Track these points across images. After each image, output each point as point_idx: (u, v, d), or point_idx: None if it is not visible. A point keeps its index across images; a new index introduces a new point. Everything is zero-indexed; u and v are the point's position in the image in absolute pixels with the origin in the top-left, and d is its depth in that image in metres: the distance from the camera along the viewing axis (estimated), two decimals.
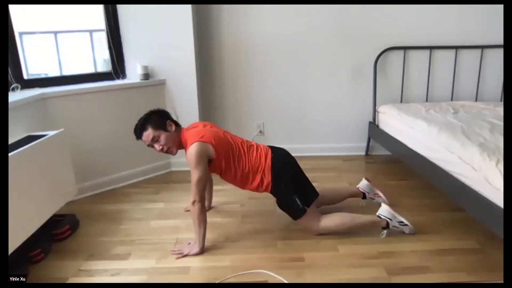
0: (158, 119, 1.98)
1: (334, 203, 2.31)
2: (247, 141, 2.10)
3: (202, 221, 1.89)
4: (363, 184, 2.38)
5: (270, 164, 1.98)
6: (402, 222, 2.00)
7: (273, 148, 2.09)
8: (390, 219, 2.00)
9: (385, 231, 2.01)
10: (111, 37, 2.79)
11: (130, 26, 2.80)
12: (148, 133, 1.95)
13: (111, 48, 2.81)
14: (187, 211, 2.36)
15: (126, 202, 2.55)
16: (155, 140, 1.96)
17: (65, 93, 2.49)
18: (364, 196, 2.36)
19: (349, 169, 3.12)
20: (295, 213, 2.01)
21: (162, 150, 1.99)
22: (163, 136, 1.95)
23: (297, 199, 1.98)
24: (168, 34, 2.83)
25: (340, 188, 2.57)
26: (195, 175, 1.85)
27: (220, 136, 1.98)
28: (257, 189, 2.03)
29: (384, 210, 2.02)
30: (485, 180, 1.71)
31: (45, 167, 1.96)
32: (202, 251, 1.91)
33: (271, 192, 2.04)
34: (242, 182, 2.03)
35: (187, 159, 1.90)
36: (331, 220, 2.02)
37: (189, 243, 1.97)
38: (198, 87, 3.02)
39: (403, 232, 2.03)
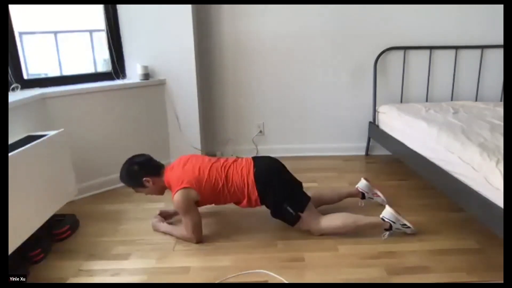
0: (135, 179, 2.04)
1: (333, 202, 2.31)
2: (225, 161, 2.07)
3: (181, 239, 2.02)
4: (362, 184, 2.38)
5: (253, 179, 1.97)
6: (405, 224, 2.00)
7: (255, 160, 2.07)
8: (394, 222, 1.99)
9: (387, 233, 2.00)
10: (111, 37, 2.79)
11: (130, 26, 2.80)
12: (132, 190, 2.15)
13: (111, 48, 2.81)
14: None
15: (126, 202, 2.54)
16: (137, 192, 2.15)
17: (65, 93, 2.49)
18: (363, 196, 2.36)
19: (349, 169, 3.11)
20: (290, 221, 2.02)
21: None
22: (144, 191, 2.11)
23: (288, 208, 1.97)
24: (168, 34, 2.83)
25: (339, 187, 2.57)
26: (189, 222, 1.95)
27: (200, 177, 1.96)
28: (248, 205, 2.04)
29: (387, 213, 2.01)
30: (485, 180, 1.71)
31: (45, 167, 1.96)
32: (163, 233, 2.08)
33: (262, 204, 2.04)
34: (235, 202, 2.07)
35: (174, 206, 2.00)
36: (332, 221, 2.02)
37: (170, 223, 2.15)
38: (198, 87, 3.02)
39: (404, 233, 2.03)
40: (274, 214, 2.05)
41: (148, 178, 2.02)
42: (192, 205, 1.95)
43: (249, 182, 1.97)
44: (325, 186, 2.64)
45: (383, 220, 2.00)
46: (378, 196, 2.35)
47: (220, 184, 1.97)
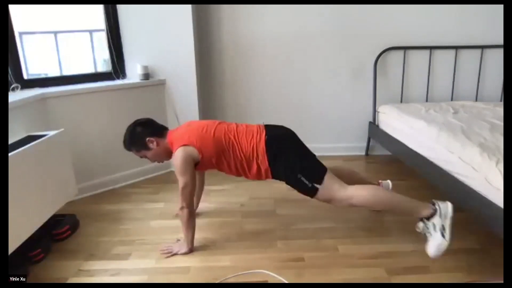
0: (138, 140, 1.95)
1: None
2: (237, 126, 1.94)
3: (191, 226, 1.91)
4: (386, 183, 2.27)
5: (264, 148, 1.83)
6: (444, 230, 1.65)
7: (268, 128, 1.92)
8: (440, 215, 1.67)
9: (421, 224, 1.72)
10: (111, 37, 2.79)
11: (130, 26, 2.80)
12: (134, 153, 2.02)
13: (111, 48, 2.81)
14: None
15: (126, 202, 2.55)
16: (142, 157, 2.03)
17: (65, 93, 2.49)
18: None
19: None
20: (307, 192, 1.83)
21: (153, 162, 2.06)
22: (148, 154, 1.99)
23: (302, 178, 1.79)
24: (168, 34, 2.83)
25: (359, 173, 2.31)
26: (181, 182, 1.83)
27: (204, 135, 1.87)
28: (258, 176, 1.91)
29: (444, 204, 1.70)
30: (485, 180, 1.71)
31: (45, 167, 1.96)
32: (191, 251, 1.92)
33: (273, 177, 1.90)
34: (239, 172, 1.94)
35: (173, 164, 1.88)
36: (363, 190, 1.78)
37: (178, 240, 1.98)
38: (198, 87, 3.02)
39: (427, 240, 1.72)
40: (290, 185, 1.88)
41: (151, 139, 1.93)
42: (191, 165, 1.83)
43: (259, 151, 1.83)
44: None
45: (433, 203, 1.71)
46: None
47: (225, 144, 1.85)
